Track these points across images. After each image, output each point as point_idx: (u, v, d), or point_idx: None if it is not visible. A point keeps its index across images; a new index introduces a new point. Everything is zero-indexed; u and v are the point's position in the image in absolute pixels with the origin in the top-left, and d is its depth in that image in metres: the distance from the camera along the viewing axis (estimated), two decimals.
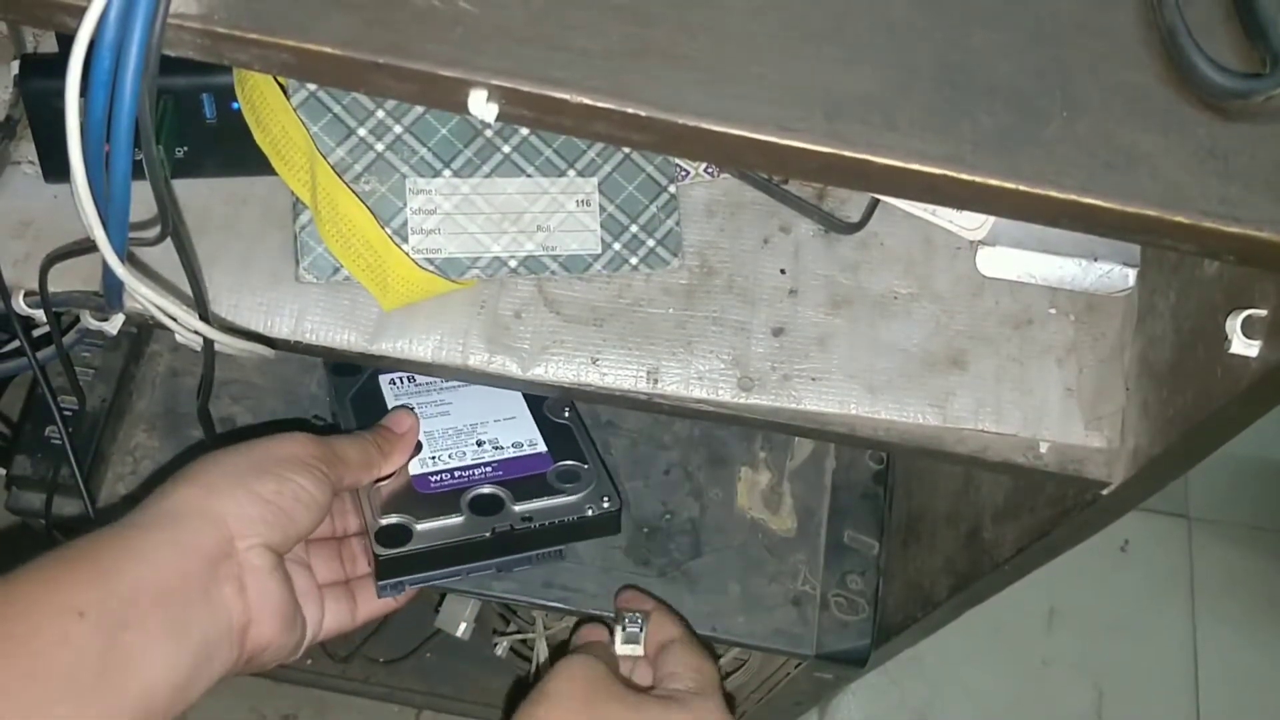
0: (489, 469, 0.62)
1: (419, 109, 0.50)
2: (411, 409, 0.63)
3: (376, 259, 0.49)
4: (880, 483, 0.77)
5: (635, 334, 0.51)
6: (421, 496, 0.60)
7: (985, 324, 0.52)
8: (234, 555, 0.49)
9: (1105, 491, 0.49)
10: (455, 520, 0.59)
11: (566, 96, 0.32)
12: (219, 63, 0.33)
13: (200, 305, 0.47)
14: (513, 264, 0.51)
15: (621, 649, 0.63)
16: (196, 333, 0.47)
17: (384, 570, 0.58)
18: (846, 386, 0.50)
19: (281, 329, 0.50)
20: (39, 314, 0.49)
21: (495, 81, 0.32)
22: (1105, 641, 1.36)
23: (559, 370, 0.50)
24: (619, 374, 0.50)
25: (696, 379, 0.50)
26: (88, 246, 0.40)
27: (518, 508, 0.60)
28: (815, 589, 0.73)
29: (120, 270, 0.41)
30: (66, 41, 0.32)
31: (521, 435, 0.64)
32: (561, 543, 0.61)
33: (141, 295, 0.44)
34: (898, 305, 0.52)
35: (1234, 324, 0.40)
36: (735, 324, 0.51)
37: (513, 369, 0.50)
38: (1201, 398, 0.42)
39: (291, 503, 0.51)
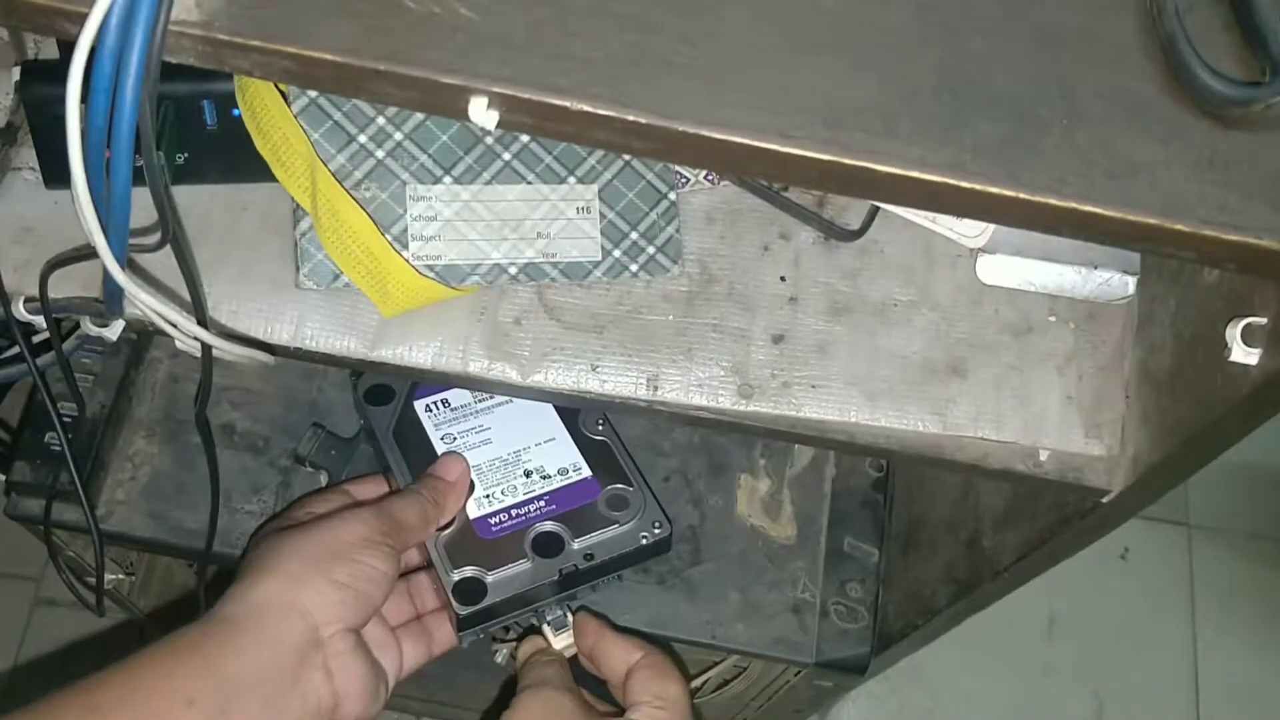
0: (543, 503, 0.64)
1: (419, 116, 0.50)
2: (460, 455, 0.64)
3: (377, 266, 0.49)
4: (880, 490, 0.76)
5: (635, 341, 0.51)
6: (485, 543, 0.62)
7: (985, 332, 0.52)
8: (320, 644, 0.53)
9: (1105, 499, 0.49)
10: (523, 566, 0.62)
11: (567, 104, 0.32)
12: (220, 70, 0.33)
13: (199, 311, 0.47)
14: (513, 271, 0.51)
15: (557, 642, 0.63)
16: (196, 339, 0.47)
17: (464, 624, 0.61)
18: (846, 394, 0.50)
19: (281, 335, 0.50)
20: (39, 320, 0.49)
21: (496, 89, 0.32)
22: (1105, 649, 1.36)
23: (559, 377, 0.50)
24: (619, 381, 0.50)
25: (696, 386, 0.50)
26: (88, 253, 0.40)
27: (577, 545, 0.63)
28: (815, 596, 0.73)
29: (120, 276, 0.41)
30: (67, 48, 0.32)
31: (565, 459, 0.66)
32: (620, 569, 0.64)
33: (141, 301, 0.44)
34: (898, 313, 0.52)
35: (1234, 332, 0.40)
36: (735, 331, 0.51)
37: (513, 376, 0.50)
38: (1201, 405, 0.42)
39: (365, 584, 0.55)
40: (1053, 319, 0.53)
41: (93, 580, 0.77)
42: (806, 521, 0.74)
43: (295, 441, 0.71)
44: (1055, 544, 0.53)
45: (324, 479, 0.69)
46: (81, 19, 0.31)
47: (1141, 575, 1.40)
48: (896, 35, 0.35)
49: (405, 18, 0.32)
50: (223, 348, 0.48)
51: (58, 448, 0.69)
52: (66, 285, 0.48)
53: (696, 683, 0.86)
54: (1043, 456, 0.50)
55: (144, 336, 0.74)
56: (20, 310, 0.49)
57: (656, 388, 0.50)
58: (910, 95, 0.34)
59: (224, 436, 0.73)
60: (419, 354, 0.50)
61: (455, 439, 0.66)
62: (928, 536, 0.72)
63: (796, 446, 0.76)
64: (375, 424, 0.66)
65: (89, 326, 0.50)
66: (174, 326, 0.46)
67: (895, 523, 0.77)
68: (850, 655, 0.72)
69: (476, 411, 0.67)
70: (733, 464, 0.75)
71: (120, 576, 0.85)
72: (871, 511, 0.76)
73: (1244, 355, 0.39)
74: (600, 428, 0.67)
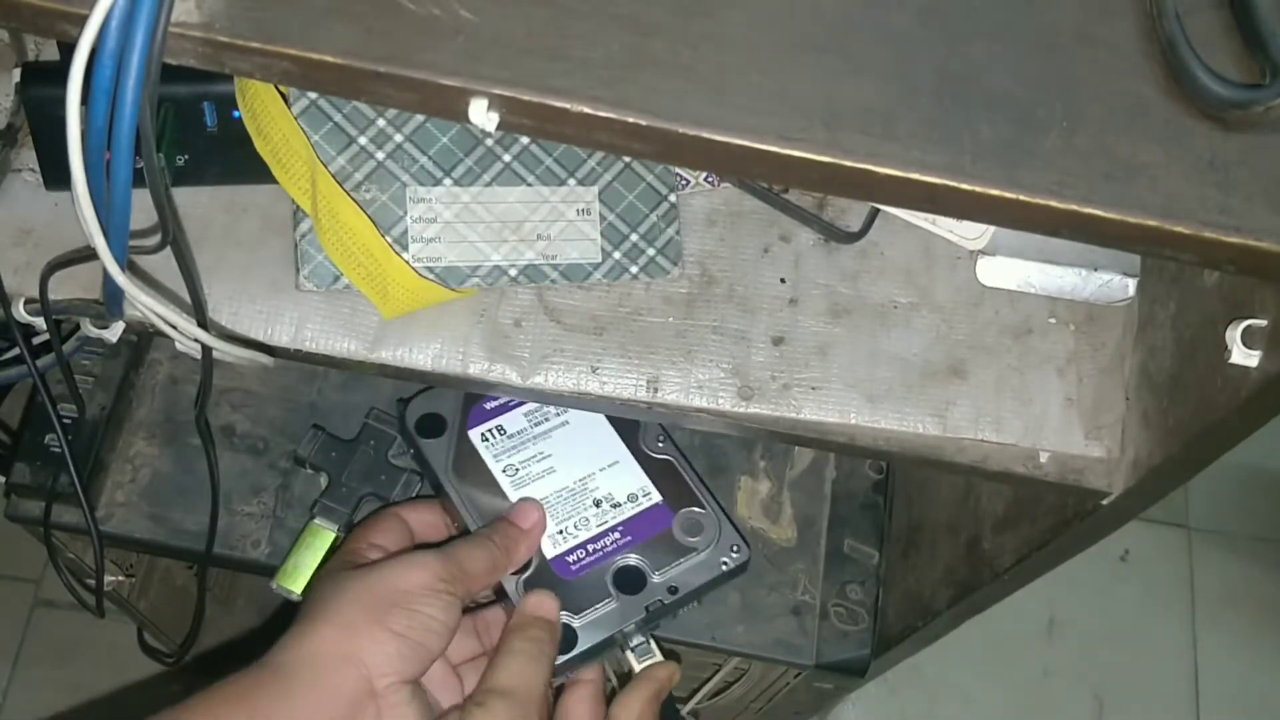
0: (619, 535, 0.64)
1: (420, 118, 0.50)
2: (536, 503, 0.63)
3: (377, 267, 0.49)
4: (880, 492, 0.77)
5: (635, 343, 0.51)
6: (568, 584, 0.62)
7: (985, 334, 0.52)
8: (374, 695, 0.52)
9: (1105, 501, 0.49)
10: (610, 607, 0.61)
11: (567, 106, 0.32)
12: (220, 71, 0.33)
13: (199, 313, 0.47)
14: (513, 272, 0.51)
15: (640, 666, 0.62)
16: (196, 340, 0.47)
17: (556, 672, 0.60)
18: (846, 396, 0.50)
19: (281, 337, 0.50)
20: (39, 321, 0.49)
21: (496, 91, 0.32)
22: (1105, 652, 1.36)
23: (559, 379, 0.50)
24: (619, 383, 0.50)
25: (696, 388, 0.50)
26: (88, 254, 0.40)
27: (659, 578, 0.62)
28: (815, 599, 0.73)
29: (120, 278, 0.41)
30: (68, 49, 0.32)
31: (632, 484, 0.65)
32: (702, 596, 0.63)
33: (141, 303, 0.44)
34: (898, 315, 0.52)
35: (1234, 334, 0.40)
36: (735, 333, 0.51)
37: (513, 378, 0.50)
38: (1201, 408, 0.42)
39: (423, 634, 0.54)
40: (1053, 321, 0.53)
41: (92, 582, 0.77)
42: (806, 524, 0.74)
43: (295, 443, 0.71)
44: (1055, 546, 0.53)
45: (324, 481, 0.69)
46: (82, 21, 0.31)
47: (1141, 577, 1.40)
48: (896, 37, 0.35)
49: (405, 20, 0.32)
50: (223, 349, 0.48)
51: (58, 449, 0.69)
52: (66, 287, 0.48)
53: (701, 692, 0.86)
54: (1043, 458, 0.50)
55: (144, 338, 0.74)
56: (20, 312, 0.49)
57: (657, 389, 0.50)
58: (910, 97, 0.34)
59: (224, 438, 0.73)
60: (419, 356, 0.50)
61: (518, 470, 0.64)
62: (928, 538, 0.72)
63: (796, 449, 0.76)
64: (432, 459, 0.64)
65: (89, 328, 0.50)
66: (174, 328, 0.46)
67: (895, 525, 0.77)
68: (850, 657, 0.72)
69: (535, 438, 0.66)
70: (733, 466, 0.75)
71: (120, 578, 0.86)
72: (871, 514, 0.76)
73: (1244, 357, 0.39)
74: (661, 445, 0.66)
